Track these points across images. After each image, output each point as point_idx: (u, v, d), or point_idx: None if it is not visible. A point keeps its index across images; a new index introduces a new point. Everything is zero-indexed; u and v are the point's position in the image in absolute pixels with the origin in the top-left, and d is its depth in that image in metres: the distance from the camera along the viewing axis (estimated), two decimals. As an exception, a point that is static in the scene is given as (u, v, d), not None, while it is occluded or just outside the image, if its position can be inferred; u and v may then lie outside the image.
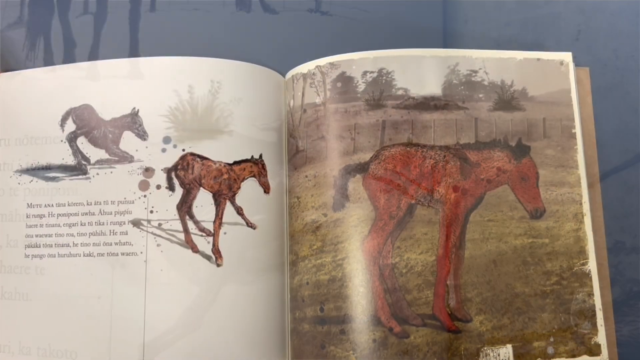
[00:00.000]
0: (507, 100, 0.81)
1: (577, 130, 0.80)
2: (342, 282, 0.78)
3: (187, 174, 0.82)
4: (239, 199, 0.83)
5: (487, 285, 0.77)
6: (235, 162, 0.83)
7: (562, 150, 0.80)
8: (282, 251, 0.84)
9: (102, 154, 0.83)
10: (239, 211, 0.82)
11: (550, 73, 0.82)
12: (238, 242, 0.81)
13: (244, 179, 0.84)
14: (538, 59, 0.83)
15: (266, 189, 0.84)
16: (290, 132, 0.87)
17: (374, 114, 0.82)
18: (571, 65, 0.82)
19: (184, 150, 0.82)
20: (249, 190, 0.83)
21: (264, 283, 0.81)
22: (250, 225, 0.83)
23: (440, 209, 0.79)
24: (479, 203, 0.78)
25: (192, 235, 0.80)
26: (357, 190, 0.80)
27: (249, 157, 0.84)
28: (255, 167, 0.84)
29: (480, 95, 0.82)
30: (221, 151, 0.83)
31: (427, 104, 0.81)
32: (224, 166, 0.83)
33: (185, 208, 0.82)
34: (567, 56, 0.83)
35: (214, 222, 0.82)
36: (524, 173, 0.79)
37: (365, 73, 0.82)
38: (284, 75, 0.89)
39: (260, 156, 0.85)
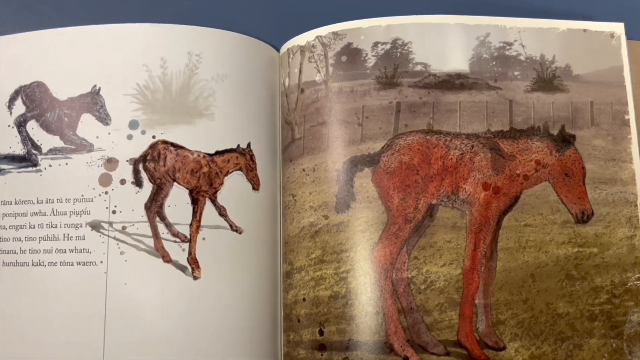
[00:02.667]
0: (547, 79, 0.72)
1: (631, 116, 0.71)
2: (346, 299, 0.68)
3: (158, 166, 0.70)
4: (221, 198, 0.71)
5: (523, 304, 0.67)
6: (218, 153, 0.72)
7: (614, 141, 0.71)
8: (274, 260, 0.73)
9: (56, 142, 0.71)
10: (222, 212, 0.71)
11: (598, 47, 0.73)
12: (220, 249, 0.70)
13: (227, 173, 0.72)
14: (584, 30, 0.73)
15: (255, 185, 0.73)
16: (285, 116, 0.76)
17: (387, 94, 0.71)
18: (623, 38, 0.74)
19: (154, 137, 0.71)
20: (234, 187, 0.72)
21: (251, 299, 0.70)
22: (235, 229, 0.71)
23: (467, 211, 0.69)
24: (514, 204, 0.69)
25: (164, 242, 0.69)
26: (365, 187, 0.70)
27: (235, 147, 0.72)
28: (242, 158, 0.72)
29: (516, 73, 0.72)
30: (200, 139, 0.71)
31: (451, 82, 0.72)
32: (204, 157, 0.71)
33: (155, 208, 0.69)
34: (618, 27, 0.74)
35: (191, 225, 0.70)
36: (568, 168, 0.69)
37: (376, 44, 0.72)
38: (278, 49, 0.79)
39: (249, 145, 0.73)
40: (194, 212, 0.69)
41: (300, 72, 0.75)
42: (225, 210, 0.70)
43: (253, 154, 0.73)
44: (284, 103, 0.76)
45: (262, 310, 0.71)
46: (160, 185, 0.70)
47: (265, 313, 0.71)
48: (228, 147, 0.71)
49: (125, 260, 0.67)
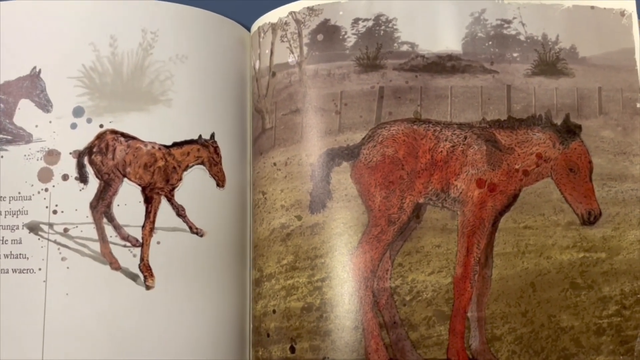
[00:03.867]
0: (550, 62, 0.66)
1: (644, 104, 0.67)
2: (321, 312, 0.61)
3: (105, 160, 0.63)
4: (179, 196, 0.64)
5: (522, 317, 0.61)
6: (176, 144, 0.64)
7: (624, 132, 0.66)
8: (242, 267, 0.67)
9: (-10, 131, 0.64)
10: (180, 212, 0.63)
11: (607, 27, 0.68)
12: (178, 255, 0.63)
13: (187, 168, 0.65)
14: (592, 7, 0.68)
15: (219, 181, 0.66)
16: (255, 104, 0.69)
17: (368, 78, 0.65)
18: (635, 17, 0.69)
19: (102, 126, 0.63)
20: (194, 183, 0.65)
21: (214, 311, 0.63)
22: (195, 231, 0.64)
23: (459, 211, 0.63)
24: (512, 203, 0.63)
25: (112, 246, 0.62)
26: (344, 184, 0.63)
27: (196, 138, 0.65)
28: (205, 150, 0.65)
29: (515, 55, 0.66)
30: (155, 128, 0.64)
31: (441, 65, 0.66)
32: (159, 149, 0.64)
33: (102, 207, 0.62)
34: (629, 4, 0.69)
35: (144, 227, 0.62)
36: (573, 162, 0.64)
37: (356, 21, 0.66)
38: (248, 28, 0.71)
39: (212, 136, 0.66)
40: (147, 212, 0.62)
41: (271, 53, 0.67)
42: (184, 210, 0.62)
43: (217, 146, 0.65)
44: (255, 89, 0.69)
45: (227, 324, 0.64)
46: (108, 181, 0.62)
47: (231, 327, 0.64)
48: (188, 137, 0.64)
49: (68, 268, 0.60)
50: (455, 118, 0.64)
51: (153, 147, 0.63)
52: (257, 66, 0.68)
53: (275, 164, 0.65)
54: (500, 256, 0.62)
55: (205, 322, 0.62)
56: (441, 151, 0.63)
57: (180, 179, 0.63)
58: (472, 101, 0.64)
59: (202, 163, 0.64)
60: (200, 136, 0.64)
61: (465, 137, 0.63)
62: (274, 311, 0.63)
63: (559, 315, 0.61)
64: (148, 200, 0.62)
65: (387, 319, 0.60)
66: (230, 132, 0.67)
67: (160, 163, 0.63)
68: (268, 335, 0.63)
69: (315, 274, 0.61)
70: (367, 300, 0.60)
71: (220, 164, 0.65)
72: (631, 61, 0.66)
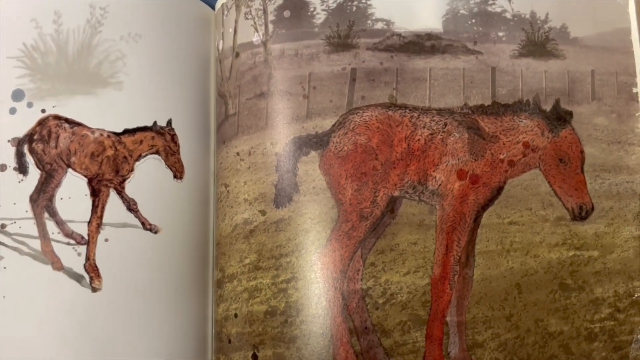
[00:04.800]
0: (539, 42, 0.63)
1: (641, 89, 0.65)
2: (286, 316, 0.57)
3: (48, 148, 0.58)
4: (131, 188, 0.59)
5: (507, 322, 0.57)
6: (127, 131, 0.59)
7: (619, 119, 0.63)
8: (204, 266, 0.62)
9: None
10: (131, 206, 0.59)
11: (601, 5, 0.65)
12: (128, 253, 0.58)
13: (140, 157, 0.60)
14: None
15: (177, 173, 0.61)
16: (218, 88, 0.65)
17: (339, 58, 0.60)
18: None
19: (44, 111, 0.58)
20: (148, 175, 0.60)
21: (171, 315, 0.59)
22: (148, 227, 0.59)
23: (437, 205, 0.59)
24: (496, 197, 0.59)
25: (54, 244, 0.57)
26: (312, 175, 0.59)
27: (150, 124, 0.60)
28: (160, 139, 0.61)
29: (500, 34, 0.63)
30: (104, 114, 0.59)
31: (419, 44, 0.61)
32: (108, 137, 0.59)
33: (43, 201, 0.57)
34: None
35: (90, 223, 0.57)
36: (564, 152, 0.61)
37: None
38: (213, 6, 0.66)
39: (169, 123, 0.61)
40: (94, 207, 0.56)
41: (235, 32, 0.62)
42: (135, 204, 0.57)
43: (175, 134, 0.60)
44: (218, 71, 0.64)
45: (186, 329, 0.59)
46: (51, 172, 0.56)
47: (191, 332, 0.59)
48: (141, 124, 0.59)
49: (4, 267, 0.54)
50: (434, 103, 0.59)
51: (101, 135, 0.57)
52: (220, 47, 0.63)
53: (238, 154, 0.60)
54: (483, 255, 0.57)
55: (161, 327, 0.57)
56: (419, 139, 0.58)
57: (131, 170, 0.58)
58: (453, 85, 0.60)
59: (157, 152, 0.59)
60: (155, 123, 0.59)
61: (445, 124, 0.58)
62: (236, 315, 0.58)
63: (547, 320, 0.57)
64: (95, 193, 0.57)
65: (357, 324, 0.55)
66: (190, 119, 0.62)
67: (109, 152, 0.57)
68: (229, 342, 0.58)
69: (279, 275, 0.56)
70: (336, 303, 0.55)
71: (178, 154, 0.60)
72: (627, 42, 0.63)
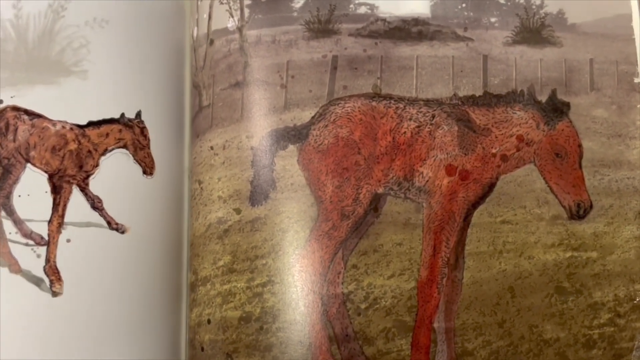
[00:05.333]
0: (534, 28, 0.61)
1: (643, 79, 0.63)
2: (261, 323, 0.54)
3: (5, 142, 0.55)
4: (96, 185, 0.55)
5: (499, 328, 0.55)
6: (92, 124, 0.56)
7: (619, 111, 0.61)
8: (177, 268, 0.59)
9: None
10: (96, 204, 0.55)
11: None
12: (92, 255, 0.54)
13: (106, 152, 0.57)
14: None
15: (147, 169, 0.58)
16: (193, 78, 0.62)
17: (320, 45, 0.57)
18: None
19: (1, 102, 0.55)
20: (115, 171, 0.57)
21: (140, 321, 0.55)
22: (115, 227, 0.55)
23: (424, 203, 0.56)
24: (488, 194, 0.57)
25: (11, 245, 0.53)
26: (290, 171, 0.56)
27: (117, 116, 0.57)
28: (128, 132, 0.57)
29: (493, 20, 0.60)
30: (67, 105, 0.55)
31: (406, 30, 0.59)
32: (71, 129, 0.55)
33: (0, 199, 0.53)
34: None
35: (50, 222, 0.54)
36: (560, 146, 0.59)
37: None
38: None
39: (139, 115, 0.58)
40: (55, 205, 0.53)
41: (209, 17, 0.59)
42: (100, 201, 0.54)
43: (144, 127, 0.57)
44: (193, 60, 0.61)
45: (156, 336, 0.55)
46: (8, 167, 0.53)
47: (162, 340, 0.56)
48: (107, 116, 0.56)
49: None
50: (421, 93, 0.57)
51: (63, 127, 0.54)
52: (195, 34, 0.60)
53: (212, 148, 0.57)
54: (473, 256, 0.55)
55: (129, 334, 0.54)
56: (404, 132, 0.55)
57: (96, 165, 0.55)
58: (441, 73, 0.57)
59: (125, 146, 0.56)
60: (122, 115, 0.56)
61: (433, 116, 0.56)
62: (209, 321, 0.54)
63: (542, 326, 0.55)
64: (56, 190, 0.53)
65: (338, 331, 0.52)
66: (162, 111, 0.58)
67: (72, 146, 0.54)
68: (202, 349, 0.54)
69: (255, 278, 0.53)
70: (315, 309, 0.52)
71: (148, 148, 0.57)
72: (628, 29, 0.61)
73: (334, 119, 0.55)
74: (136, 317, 0.55)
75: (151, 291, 0.55)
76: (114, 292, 0.53)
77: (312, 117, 0.55)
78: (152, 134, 0.57)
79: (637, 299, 0.56)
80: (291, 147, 0.55)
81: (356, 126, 0.55)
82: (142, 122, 0.57)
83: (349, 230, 0.53)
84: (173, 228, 0.58)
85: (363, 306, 0.53)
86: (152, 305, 0.55)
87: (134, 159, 0.56)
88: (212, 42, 0.58)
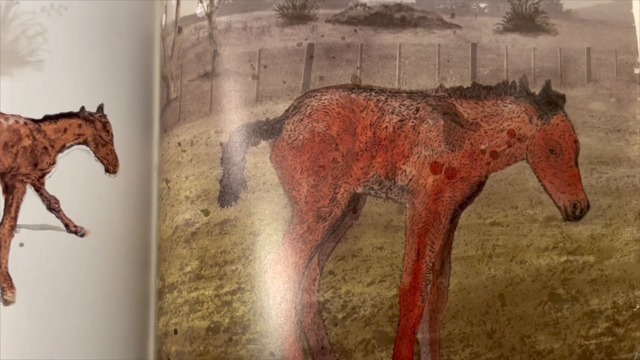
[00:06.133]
0: (527, 15, 0.58)
1: (644, 70, 0.61)
2: (231, 334, 0.50)
3: None
4: (52, 184, 0.52)
5: (488, 339, 0.52)
6: (49, 118, 0.52)
7: (618, 104, 0.58)
8: (144, 274, 0.55)
9: None
10: (52, 205, 0.51)
11: None
12: (48, 260, 0.51)
13: (63, 148, 0.53)
14: None
15: (110, 167, 0.54)
16: (162, 69, 0.59)
17: (295, 32, 0.54)
18: None
19: None
20: (74, 169, 0.53)
21: (104, 332, 0.52)
22: (73, 230, 0.52)
23: (408, 203, 0.53)
24: (477, 193, 0.54)
25: None
26: (262, 169, 0.52)
27: (77, 110, 0.53)
28: (89, 127, 0.54)
29: (482, 6, 0.58)
30: (20, 98, 0.52)
31: (388, 16, 0.56)
32: (25, 124, 0.52)
33: None
34: None
35: (2, 224, 0.50)
36: (555, 142, 0.56)
37: None
38: None
39: (101, 108, 0.54)
40: (7, 206, 0.49)
41: (177, 3, 0.55)
42: (57, 202, 0.50)
43: (107, 122, 0.53)
44: (162, 50, 0.57)
45: (120, 347, 0.52)
46: None
47: (127, 350, 0.52)
48: (66, 110, 0.52)
49: None
50: (404, 85, 0.54)
51: (17, 122, 0.50)
52: (164, 21, 0.56)
53: (179, 144, 0.53)
54: (461, 261, 0.52)
55: (90, 346, 0.50)
56: (386, 127, 0.52)
57: (53, 163, 0.51)
58: (426, 63, 0.54)
59: (85, 142, 0.52)
60: (82, 108, 0.52)
61: (417, 109, 0.52)
62: (176, 331, 0.51)
63: (535, 336, 0.52)
64: (8, 190, 0.49)
65: (313, 343, 0.49)
66: (128, 104, 0.55)
67: (26, 142, 0.50)
68: (168, 361, 0.51)
69: (224, 285, 0.49)
70: (289, 319, 0.49)
71: (111, 144, 0.53)
72: (628, 16, 0.58)
73: (310, 113, 0.51)
74: (98, 327, 0.51)
75: (115, 299, 0.52)
76: (72, 301, 0.49)
77: (286, 111, 0.52)
78: (116, 130, 0.53)
79: (637, 307, 0.54)
80: (263, 143, 0.51)
81: (334, 120, 0.51)
82: (105, 116, 0.53)
83: (326, 233, 0.50)
84: (139, 231, 0.54)
85: (340, 316, 0.49)
86: (115, 315, 0.52)
87: (95, 156, 0.52)
88: (180, 30, 0.54)
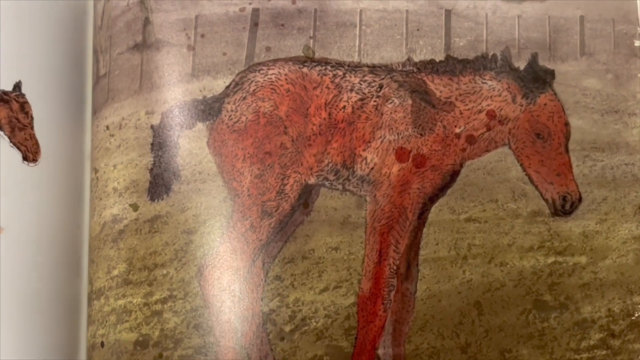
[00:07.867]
0: None
1: (645, 42, 0.58)
2: (161, 349, 0.45)
3: None
4: None
5: (462, 354, 0.48)
6: None
7: (616, 81, 0.54)
8: (73, 278, 0.51)
9: None
10: None
11: None
12: None
13: None
14: None
15: (28, 154, 0.49)
16: (93, 42, 0.54)
17: None
18: None
19: None
20: None
21: (22, 344, 0.47)
22: None
23: (368, 196, 0.49)
24: (450, 184, 0.51)
25: None
26: (198, 156, 0.48)
27: None
28: (3, 107, 0.49)
29: None
30: None
31: None
32: None
33: None
34: None
35: None
36: (542, 124, 0.52)
37: None
38: None
39: (18, 87, 0.49)
40: None
41: None
42: None
43: (25, 102, 0.48)
44: (94, 21, 0.51)
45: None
46: None
47: None
48: None
49: None
50: (366, 58, 0.49)
51: None
52: None
53: (107, 128, 0.47)
54: (430, 263, 0.47)
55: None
56: (344, 107, 0.47)
57: None
58: (392, 32, 0.49)
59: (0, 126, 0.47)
60: None
61: (381, 87, 0.48)
62: (102, 344, 0.45)
63: (517, 349, 0.48)
64: None
65: (255, 359, 0.44)
66: (54, 82, 0.50)
67: None
68: (95, 378, 0.45)
69: (153, 292, 0.44)
70: (228, 332, 0.44)
71: (31, 128, 0.48)
72: None
73: (254, 90, 0.46)
74: (21, 338, 0.46)
75: (37, 305, 0.47)
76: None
77: (227, 88, 0.47)
78: (39, 111, 0.48)
79: (636, 315, 0.50)
80: (200, 126, 0.46)
81: (282, 99, 0.46)
82: (23, 95, 0.48)
83: (272, 232, 0.45)
84: (66, 228, 0.49)
85: (288, 328, 0.45)
86: (41, 323, 0.47)
87: (10, 141, 0.47)
88: (109, -5, 0.48)
